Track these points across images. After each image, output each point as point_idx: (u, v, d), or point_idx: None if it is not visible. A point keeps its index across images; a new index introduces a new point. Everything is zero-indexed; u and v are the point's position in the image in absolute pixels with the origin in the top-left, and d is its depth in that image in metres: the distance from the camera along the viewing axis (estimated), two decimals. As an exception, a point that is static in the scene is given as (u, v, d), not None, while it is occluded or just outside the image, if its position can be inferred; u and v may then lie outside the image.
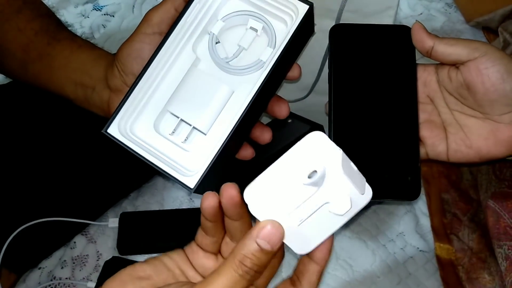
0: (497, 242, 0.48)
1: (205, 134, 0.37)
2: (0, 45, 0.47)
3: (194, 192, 0.35)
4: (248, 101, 0.35)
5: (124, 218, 0.54)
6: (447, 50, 0.36)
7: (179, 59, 0.38)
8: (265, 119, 0.52)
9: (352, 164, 0.28)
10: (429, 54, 0.37)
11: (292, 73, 0.40)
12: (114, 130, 0.37)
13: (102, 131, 0.37)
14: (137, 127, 0.38)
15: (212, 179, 0.36)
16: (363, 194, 0.28)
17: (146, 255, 0.53)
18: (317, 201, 0.27)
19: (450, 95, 0.38)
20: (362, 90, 0.39)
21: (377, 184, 0.38)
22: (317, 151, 0.27)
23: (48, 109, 0.55)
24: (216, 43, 0.38)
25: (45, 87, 0.46)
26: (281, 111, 0.41)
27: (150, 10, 0.40)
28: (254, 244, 0.26)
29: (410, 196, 0.38)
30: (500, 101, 0.35)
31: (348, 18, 0.47)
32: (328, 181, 0.27)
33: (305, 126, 0.51)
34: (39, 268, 0.53)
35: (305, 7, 0.36)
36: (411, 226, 0.55)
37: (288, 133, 0.50)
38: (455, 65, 0.37)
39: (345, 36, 0.39)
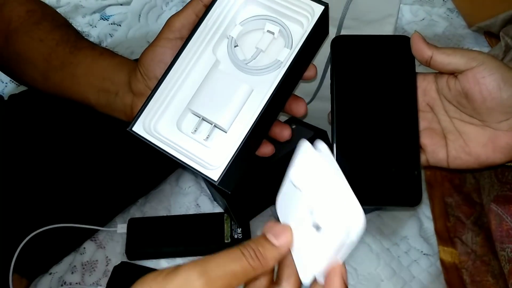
0: (500, 245, 0.49)
1: (226, 132, 0.38)
2: (22, 56, 0.48)
3: (218, 185, 0.36)
4: (267, 99, 0.37)
5: (132, 224, 0.55)
6: (445, 59, 0.37)
7: (200, 61, 0.40)
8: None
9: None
10: (428, 63, 0.38)
11: (309, 72, 0.42)
12: (139, 128, 0.39)
13: (127, 129, 0.39)
14: (160, 126, 0.40)
15: (234, 174, 0.37)
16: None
17: (154, 260, 0.54)
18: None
19: (449, 103, 0.39)
20: (364, 100, 0.39)
21: (379, 191, 0.38)
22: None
23: (58, 118, 0.56)
24: (235, 46, 0.40)
25: (67, 95, 0.48)
26: (299, 109, 0.41)
27: (171, 16, 0.41)
28: (263, 237, 0.28)
29: (411, 202, 0.38)
30: (498, 109, 0.36)
31: (350, 25, 0.48)
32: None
33: (309, 131, 0.52)
34: (50, 274, 0.54)
35: (321, 7, 0.38)
36: (415, 230, 0.56)
37: (292, 138, 0.51)
38: (454, 74, 0.38)
39: (346, 47, 0.40)
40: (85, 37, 0.50)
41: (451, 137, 0.39)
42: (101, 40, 0.77)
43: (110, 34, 0.78)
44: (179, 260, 0.54)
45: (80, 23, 0.78)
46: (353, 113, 0.39)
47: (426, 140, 0.39)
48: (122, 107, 0.44)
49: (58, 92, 0.48)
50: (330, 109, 0.40)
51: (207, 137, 0.39)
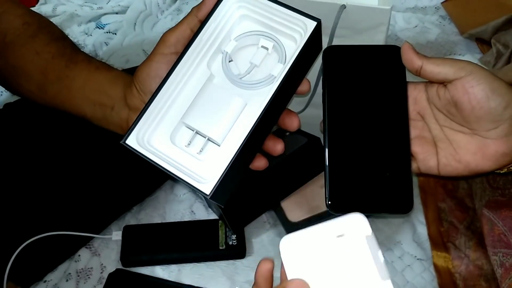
0: (492, 249, 0.49)
1: (219, 145, 0.39)
2: (18, 69, 0.48)
3: (210, 198, 0.37)
4: (260, 113, 0.37)
5: (127, 231, 0.55)
6: (435, 69, 0.38)
7: (194, 75, 0.40)
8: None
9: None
10: (418, 73, 0.39)
11: (302, 87, 0.42)
12: (132, 141, 0.39)
13: (120, 142, 0.39)
14: (154, 139, 0.40)
15: (227, 188, 0.38)
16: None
17: (149, 267, 0.54)
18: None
19: (439, 112, 0.40)
20: (355, 109, 0.40)
21: (371, 199, 0.39)
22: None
23: (53, 126, 0.56)
24: (230, 61, 0.41)
25: (63, 108, 0.48)
26: (292, 123, 0.42)
27: (166, 31, 0.42)
28: None
29: (403, 209, 0.39)
30: (486, 118, 0.37)
31: (342, 34, 0.49)
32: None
33: (303, 138, 0.52)
34: (45, 281, 0.53)
35: (313, 23, 0.39)
36: (409, 235, 0.56)
37: (286, 145, 0.51)
38: (443, 83, 0.39)
39: (338, 57, 0.41)
40: (81, 50, 0.51)
41: (441, 145, 0.40)
42: (96, 49, 0.78)
43: (105, 43, 0.78)
44: (174, 267, 0.54)
45: (75, 31, 0.79)
46: (345, 122, 0.40)
47: (417, 148, 0.40)
48: (118, 121, 0.45)
49: (54, 104, 0.49)
50: (322, 117, 0.41)
51: (201, 151, 0.39)
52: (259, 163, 0.42)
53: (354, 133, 0.39)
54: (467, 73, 0.36)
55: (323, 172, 0.39)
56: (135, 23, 0.80)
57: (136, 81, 0.43)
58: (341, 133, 0.39)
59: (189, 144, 0.39)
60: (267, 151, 0.42)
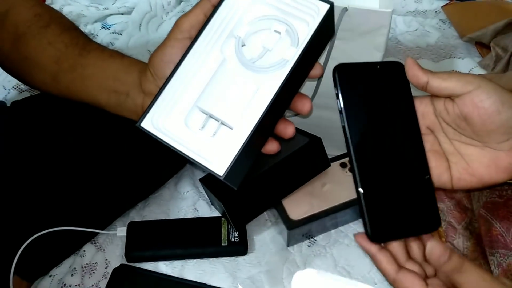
0: (490, 250, 0.50)
1: (232, 129, 0.39)
2: (31, 60, 0.49)
3: (224, 179, 0.37)
4: (272, 97, 0.38)
5: (132, 227, 0.56)
6: (442, 84, 0.37)
7: (207, 60, 0.41)
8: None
9: None
10: (424, 88, 0.38)
11: (315, 71, 0.42)
12: (147, 124, 0.40)
13: (136, 125, 0.40)
14: (168, 122, 0.40)
15: (239, 170, 0.38)
16: None
17: (153, 262, 0.55)
18: None
19: (448, 126, 0.39)
20: (374, 132, 0.39)
21: (406, 222, 0.38)
22: None
23: (59, 124, 0.57)
24: (242, 45, 0.41)
25: (77, 97, 0.48)
26: (303, 107, 0.42)
27: (181, 16, 0.42)
28: None
29: (433, 227, 0.39)
30: (498, 131, 0.36)
31: (344, 36, 0.49)
32: None
33: (304, 138, 0.53)
34: (50, 276, 0.54)
35: (326, 6, 0.39)
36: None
37: (288, 145, 0.52)
38: (450, 97, 0.38)
39: (347, 75, 0.41)
40: (93, 39, 0.51)
41: (453, 159, 0.39)
42: (102, 48, 0.79)
43: (111, 43, 0.79)
44: (177, 263, 0.55)
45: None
46: (368, 148, 0.39)
47: (430, 163, 0.40)
48: (133, 107, 0.45)
49: (68, 94, 0.49)
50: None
51: (214, 134, 0.40)
52: (272, 146, 0.42)
53: (378, 157, 0.39)
54: (475, 87, 0.36)
55: (358, 204, 0.39)
56: (140, 24, 0.81)
57: (151, 66, 0.43)
58: (367, 159, 0.38)
59: (203, 127, 0.40)
60: (278, 135, 0.42)
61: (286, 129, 0.42)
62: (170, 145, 0.39)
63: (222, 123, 0.40)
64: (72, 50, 0.48)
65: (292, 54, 0.39)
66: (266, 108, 0.38)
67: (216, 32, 0.41)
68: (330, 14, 0.39)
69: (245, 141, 0.37)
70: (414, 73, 0.38)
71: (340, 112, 0.39)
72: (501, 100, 0.36)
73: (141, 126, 0.40)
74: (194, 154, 0.38)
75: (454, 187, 0.39)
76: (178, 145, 0.39)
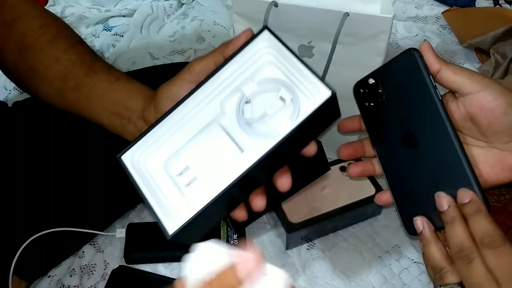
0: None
1: (205, 186, 0.38)
2: (38, 73, 0.49)
3: (171, 239, 0.37)
4: (249, 166, 0.36)
5: (131, 229, 0.56)
6: (452, 77, 0.37)
7: (205, 109, 0.40)
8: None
9: None
10: (434, 76, 0.38)
11: (308, 149, 0.40)
12: (127, 158, 0.40)
13: (116, 156, 0.40)
14: (148, 160, 0.40)
15: (193, 232, 0.38)
16: None
17: (152, 264, 0.55)
18: None
19: None
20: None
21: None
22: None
23: (60, 124, 0.57)
24: (246, 102, 0.39)
25: (80, 114, 0.49)
26: (282, 185, 0.40)
27: (194, 59, 0.43)
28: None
29: None
30: (504, 132, 0.36)
31: (345, 40, 0.50)
32: None
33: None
34: (49, 276, 0.54)
35: (328, 93, 0.36)
36: (406, 239, 0.57)
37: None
38: (455, 94, 0.38)
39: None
40: (99, 56, 0.52)
41: None
42: (103, 50, 0.79)
43: (112, 45, 0.79)
44: (176, 265, 0.55)
45: (83, 33, 0.80)
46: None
47: None
48: (134, 131, 0.46)
49: (72, 110, 0.50)
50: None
51: (188, 184, 0.39)
52: (239, 214, 0.41)
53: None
54: (483, 88, 0.36)
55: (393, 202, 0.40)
56: (141, 26, 0.81)
57: (155, 98, 0.43)
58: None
59: (180, 174, 0.39)
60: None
61: (256, 203, 0.40)
62: (138, 188, 0.38)
63: (196, 178, 0.39)
64: (78, 68, 0.48)
65: (286, 129, 0.37)
66: (238, 177, 0.36)
67: (222, 84, 0.40)
68: (332, 101, 0.37)
69: (204, 206, 0.36)
70: (427, 58, 0.37)
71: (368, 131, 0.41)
72: (508, 102, 0.36)
73: (120, 159, 0.39)
74: (156, 204, 0.37)
75: None
76: (145, 189, 0.38)
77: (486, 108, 0.36)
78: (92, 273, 0.55)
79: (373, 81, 0.41)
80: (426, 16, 0.81)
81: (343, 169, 0.58)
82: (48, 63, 0.49)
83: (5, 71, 0.54)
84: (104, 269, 0.55)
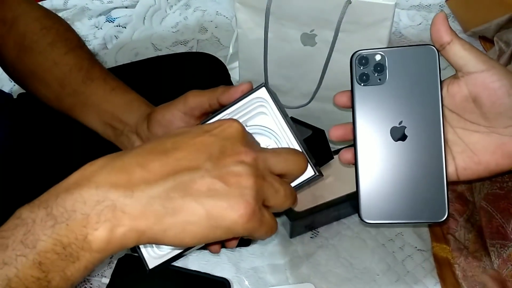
0: (490, 241, 0.50)
1: None
2: (36, 75, 0.50)
3: (148, 272, 0.39)
4: None
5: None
6: (460, 52, 0.36)
7: None
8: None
9: None
10: (443, 48, 0.37)
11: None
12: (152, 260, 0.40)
13: (147, 271, 0.40)
14: None
15: (167, 264, 0.39)
16: None
17: (157, 253, 0.56)
18: None
19: (452, 113, 0.39)
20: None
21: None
22: None
23: (65, 117, 0.58)
24: None
25: (76, 119, 0.50)
26: None
27: (191, 92, 0.44)
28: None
29: (437, 216, 0.38)
30: (506, 114, 0.36)
31: (347, 28, 0.50)
32: None
33: (307, 130, 0.54)
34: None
35: (311, 173, 0.38)
36: (409, 226, 0.57)
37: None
38: (457, 74, 0.37)
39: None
40: (98, 61, 0.52)
41: (457, 149, 0.38)
42: (106, 42, 0.79)
43: (115, 36, 0.80)
44: (181, 253, 0.56)
45: (86, 25, 0.81)
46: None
47: None
48: (126, 143, 0.47)
49: (69, 114, 0.51)
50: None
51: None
52: (214, 248, 0.42)
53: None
54: (489, 68, 0.36)
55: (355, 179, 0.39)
56: (144, 17, 0.81)
57: (149, 119, 0.45)
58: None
59: None
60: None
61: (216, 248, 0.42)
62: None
63: None
64: (75, 75, 0.49)
65: None
66: None
67: None
68: (314, 179, 0.38)
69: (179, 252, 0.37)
70: (440, 28, 0.37)
71: (352, 100, 0.39)
72: (511, 84, 0.36)
73: (151, 269, 0.40)
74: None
75: (460, 178, 0.39)
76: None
77: (490, 88, 0.36)
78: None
79: (380, 58, 0.39)
80: (430, 5, 0.81)
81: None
82: (47, 66, 0.49)
83: (5, 68, 0.54)
84: (110, 257, 0.55)
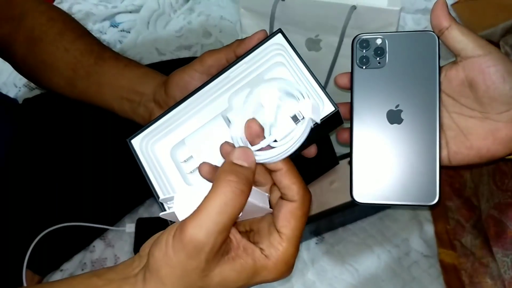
0: (503, 251, 0.49)
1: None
2: (48, 65, 0.50)
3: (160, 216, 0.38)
4: None
5: (140, 224, 0.57)
6: (459, 37, 0.37)
7: (213, 103, 0.42)
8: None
9: None
10: (441, 33, 0.38)
11: (309, 151, 0.43)
12: (136, 142, 0.41)
13: (127, 139, 0.42)
14: (156, 146, 0.42)
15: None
16: None
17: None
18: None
19: (449, 97, 0.39)
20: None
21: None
22: None
23: (70, 121, 0.58)
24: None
25: (91, 101, 0.50)
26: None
27: (207, 52, 0.44)
28: (232, 164, 0.31)
29: (427, 199, 0.38)
30: (500, 100, 0.37)
31: (353, 33, 0.49)
32: None
33: (312, 135, 0.53)
34: (61, 270, 0.55)
35: (331, 108, 0.38)
36: (415, 232, 0.57)
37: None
38: (456, 59, 0.38)
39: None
40: (107, 46, 0.53)
41: (450, 133, 0.39)
42: (111, 47, 0.79)
43: (119, 41, 0.80)
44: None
45: (91, 29, 0.80)
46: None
47: None
48: (144, 114, 0.47)
49: (83, 98, 0.51)
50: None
51: (192, 172, 0.41)
52: (309, 151, 0.43)
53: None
54: (486, 53, 0.36)
55: (349, 162, 0.39)
56: (148, 22, 0.82)
57: (167, 84, 0.45)
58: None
59: (185, 161, 0.41)
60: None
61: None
62: (144, 171, 0.41)
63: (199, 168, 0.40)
64: (87, 58, 0.49)
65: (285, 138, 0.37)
66: None
67: (231, 81, 0.41)
68: (334, 115, 0.38)
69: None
70: (440, 14, 0.37)
71: (351, 83, 0.39)
72: (506, 69, 0.36)
73: (130, 142, 0.42)
74: (158, 188, 0.40)
75: (452, 163, 0.39)
76: (150, 173, 0.41)
77: (485, 72, 0.36)
78: (103, 267, 0.55)
79: (381, 42, 0.39)
80: (435, 2, 0.81)
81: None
82: (58, 54, 0.50)
83: (15, 65, 0.55)
84: (115, 263, 0.56)
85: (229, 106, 0.41)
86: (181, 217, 0.31)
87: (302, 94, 0.35)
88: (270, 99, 0.36)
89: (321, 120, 0.37)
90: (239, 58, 0.41)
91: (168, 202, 0.31)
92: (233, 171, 0.30)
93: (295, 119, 0.35)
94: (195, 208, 0.30)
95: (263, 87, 0.39)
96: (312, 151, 0.43)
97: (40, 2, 0.52)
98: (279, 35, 0.39)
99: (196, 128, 0.41)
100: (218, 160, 0.39)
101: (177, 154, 0.42)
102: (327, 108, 0.38)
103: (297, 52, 0.39)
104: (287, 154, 0.33)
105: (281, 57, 0.40)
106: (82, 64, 0.49)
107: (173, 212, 0.32)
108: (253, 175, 0.32)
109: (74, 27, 0.52)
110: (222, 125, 0.41)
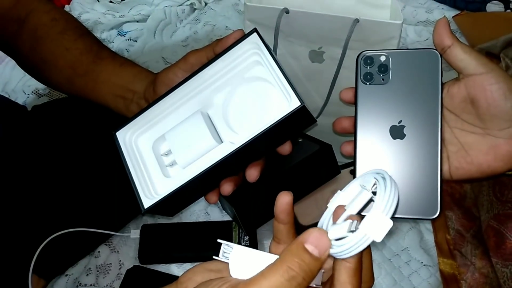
0: (503, 262, 0.50)
1: (183, 169, 0.42)
2: (49, 63, 0.53)
3: (145, 212, 0.42)
4: (224, 155, 0.40)
5: (145, 230, 0.58)
6: (461, 55, 0.37)
7: (193, 99, 0.44)
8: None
9: None
10: (444, 51, 0.38)
11: (283, 148, 0.44)
12: (120, 135, 0.45)
13: (112, 132, 0.45)
14: (140, 138, 0.45)
15: (168, 208, 0.42)
16: None
17: (165, 264, 0.56)
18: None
19: (451, 113, 0.40)
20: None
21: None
22: None
23: (77, 128, 0.59)
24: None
25: (88, 98, 0.53)
26: (251, 175, 0.43)
27: (191, 51, 0.47)
28: (302, 249, 0.27)
29: (429, 213, 0.38)
30: (501, 117, 0.37)
31: (355, 46, 0.51)
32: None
33: (315, 145, 0.54)
34: (66, 275, 0.56)
35: (297, 103, 0.39)
36: (416, 242, 0.58)
37: (299, 151, 0.53)
38: (458, 75, 0.39)
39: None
40: (106, 45, 0.55)
41: (452, 148, 0.40)
42: (118, 55, 0.81)
43: (126, 49, 0.81)
44: (188, 265, 0.56)
45: (98, 38, 0.82)
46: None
47: None
48: (135, 110, 0.49)
49: (81, 94, 0.53)
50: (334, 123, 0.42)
51: (171, 165, 0.43)
52: (211, 198, 0.45)
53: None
54: (488, 70, 0.37)
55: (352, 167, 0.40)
56: (155, 31, 0.83)
57: (154, 81, 0.48)
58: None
59: (165, 154, 0.44)
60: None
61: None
62: (126, 164, 0.43)
63: (175, 161, 0.43)
64: (86, 57, 0.52)
65: (258, 129, 0.39)
66: (213, 164, 0.40)
67: (212, 77, 0.43)
68: (301, 111, 0.39)
69: (178, 187, 0.40)
70: (442, 32, 0.38)
71: (355, 96, 0.40)
72: (508, 88, 0.37)
73: (115, 135, 0.44)
74: (137, 181, 0.42)
75: (453, 177, 0.40)
76: (131, 165, 0.43)
77: (487, 90, 0.37)
78: (108, 273, 0.56)
79: (385, 59, 0.40)
80: (437, 21, 0.82)
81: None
82: (59, 53, 0.52)
83: (19, 62, 0.57)
84: (119, 268, 0.56)
85: (210, 103, 0.43)
86: (234, 273, 0.29)
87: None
88: (362, 196, 0.33)
89: (286, 114, 0.39)
90: (216, 56, 0.43)
91: (225, 247, 0.31)
92: (299, 259, 0.26)
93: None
94: (249, 272, 0.28)
95: (244, 86, 0.42)
96: (286, 148, 0.44)
97: (45, 3, 0.55)
98: (255, 34, 0.42)
99: (176, 123, 0.44)
100: (194, 155, 0.42)
101: (158, 147, 0.45)
102: (294, 103, 0.39)
103: (270, 50, 0.41)
104: (363, 247, 0.28)
105: (257, 56, 0.42)
106: (81, 63, 0.52)
107: (227, 263, 0.30)
108: (320, 268, 0.27)
109: (76, 27, 0.54)
110: (201, 121, 0.42)
